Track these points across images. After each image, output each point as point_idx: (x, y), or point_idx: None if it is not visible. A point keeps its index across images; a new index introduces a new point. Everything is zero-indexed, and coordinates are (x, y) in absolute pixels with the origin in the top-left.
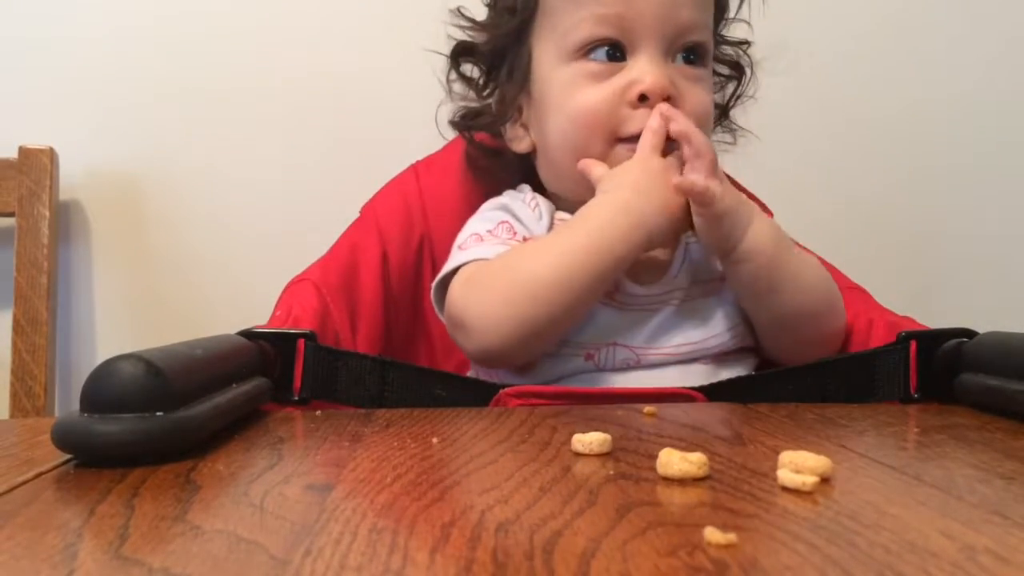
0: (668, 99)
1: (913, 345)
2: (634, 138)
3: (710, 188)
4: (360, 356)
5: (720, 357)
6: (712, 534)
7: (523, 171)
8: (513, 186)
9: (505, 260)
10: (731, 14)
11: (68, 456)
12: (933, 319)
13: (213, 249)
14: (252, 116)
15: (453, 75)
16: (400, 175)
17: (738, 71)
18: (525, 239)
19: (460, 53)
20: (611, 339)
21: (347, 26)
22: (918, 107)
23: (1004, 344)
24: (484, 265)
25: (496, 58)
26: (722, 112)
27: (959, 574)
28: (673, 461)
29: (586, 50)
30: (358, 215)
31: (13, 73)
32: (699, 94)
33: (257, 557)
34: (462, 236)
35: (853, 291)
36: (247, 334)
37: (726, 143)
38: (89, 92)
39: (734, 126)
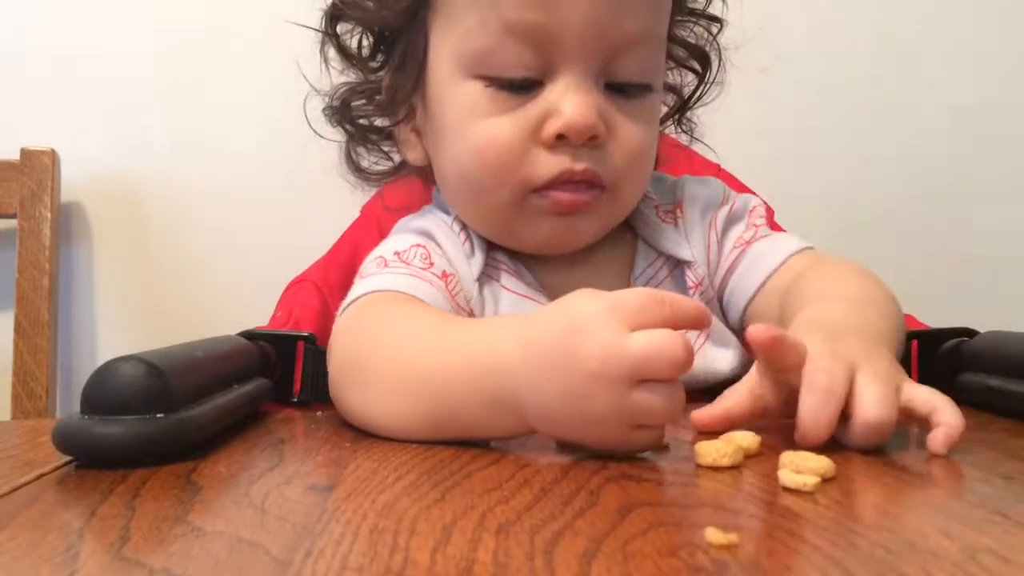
0: (594, 138)
1: (914, 344)
2: (548, 186)
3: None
4: None
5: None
6: (713, 534)
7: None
8: (420, 200)
9: (385, 350)
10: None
11: (69, 458)
12: (934, 319)
13: (214, 250)
14: (253, 118)
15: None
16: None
17: (702, 63)
18: (445, 274)
19: (338, 18)
20: None
21: None
22: (919, 107)
23: (1005, 344)
24: (361, 349)
25: (384, 33)
26: (680, 107)
27: (960, 574)
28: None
29: (492, 65)
30: (358, 215)
31: (15, 75)
32: (634, 128)
33: (258, 558)
34: (366, 261)
35: None
36: (248, 335)
37: (680, 146)
38: (91, 94)
39: (694, 124)
